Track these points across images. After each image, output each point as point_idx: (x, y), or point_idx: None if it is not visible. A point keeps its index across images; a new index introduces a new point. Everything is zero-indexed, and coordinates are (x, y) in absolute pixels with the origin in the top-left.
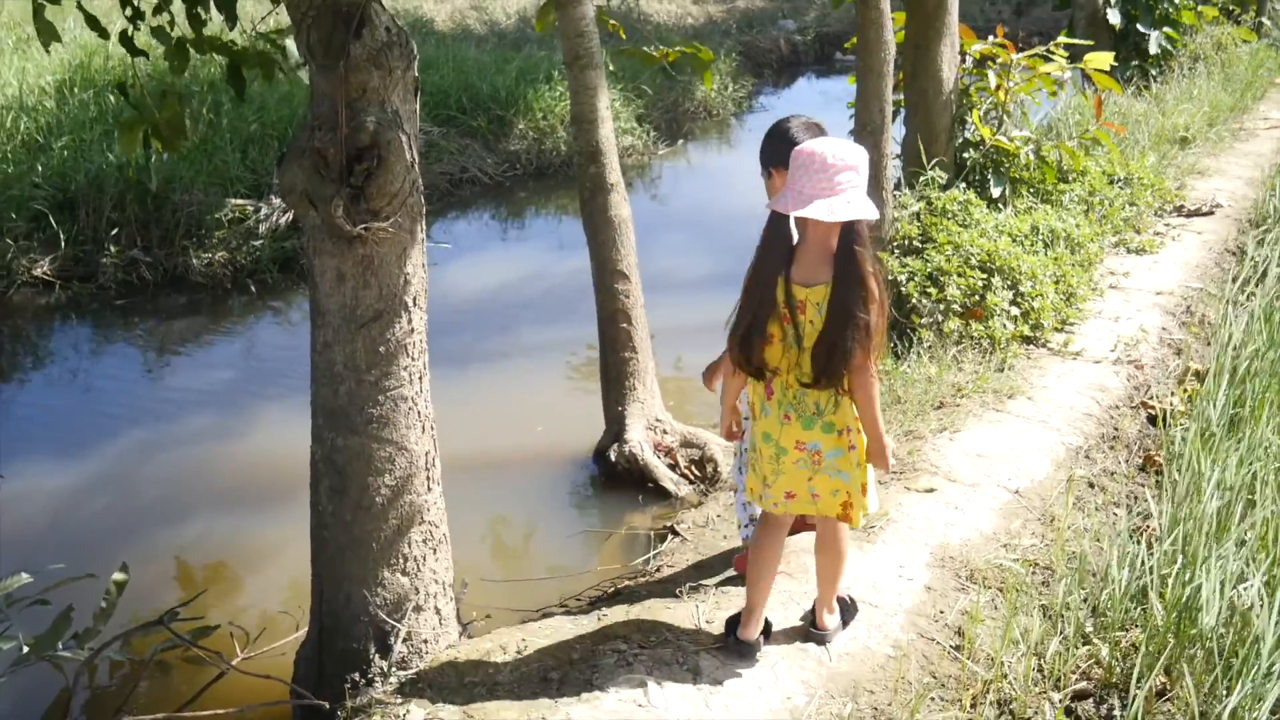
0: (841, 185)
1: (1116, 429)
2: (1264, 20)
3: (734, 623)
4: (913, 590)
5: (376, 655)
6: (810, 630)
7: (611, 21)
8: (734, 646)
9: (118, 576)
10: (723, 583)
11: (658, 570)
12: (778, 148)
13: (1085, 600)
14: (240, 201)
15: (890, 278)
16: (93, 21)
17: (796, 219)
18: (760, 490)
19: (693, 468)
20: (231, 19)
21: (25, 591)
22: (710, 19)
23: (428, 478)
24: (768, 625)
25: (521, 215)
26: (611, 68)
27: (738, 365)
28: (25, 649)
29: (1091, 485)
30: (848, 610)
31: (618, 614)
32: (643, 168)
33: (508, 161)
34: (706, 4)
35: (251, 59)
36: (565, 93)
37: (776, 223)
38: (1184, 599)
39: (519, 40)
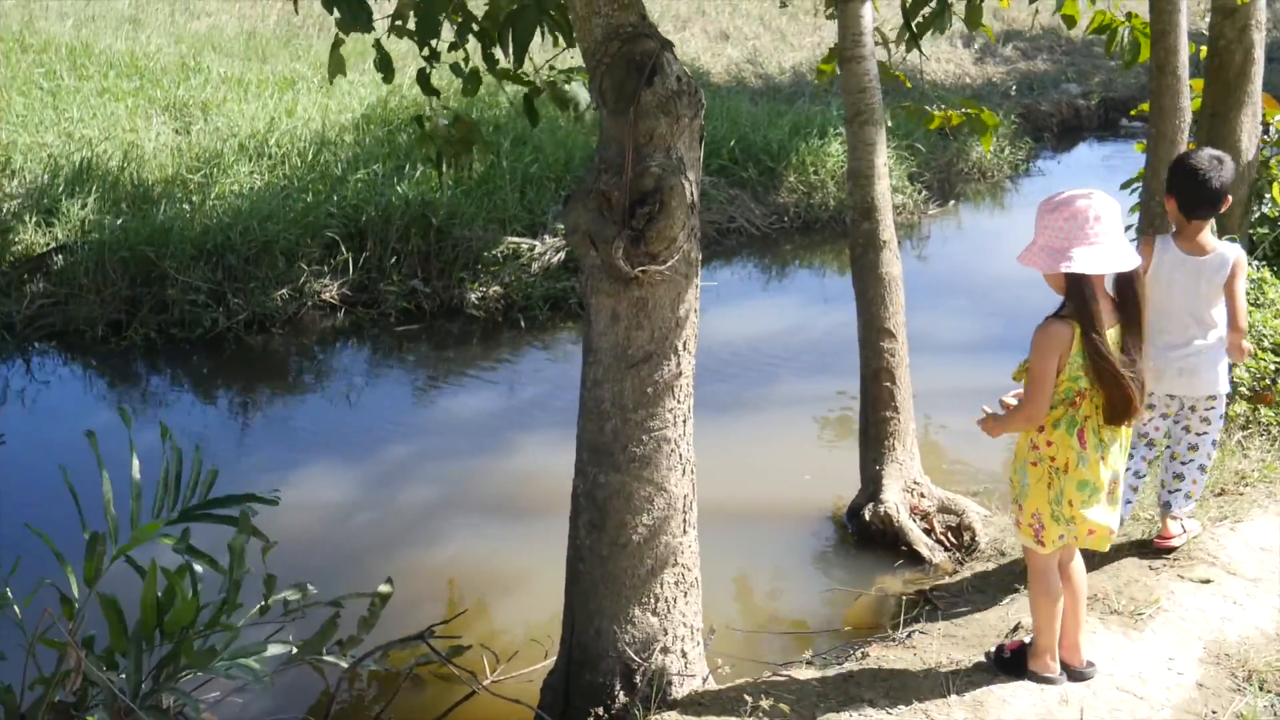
0: (1102, 235)
1: None
2: None
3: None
4: (1183, 685)
5: (622, 692)
6: (1073, 673)
7: (897, 71)
8: (1035, 677)
9: (383, 589)
10: (978, 665)
11: (908, 636)
12: (1171, 174)
13: None
14: (516, 239)
15: None
16: (384, 65)
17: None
18: (1061, 530)
19: (949, 534)
20: (520, 58)
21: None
22: (989, 80)
23: (684, 520)
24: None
25: (786, 267)
26: (890, 123)
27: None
28: (294, 650)
29: None
30: (1016, 658)
31: (864, 676)
32: (912, 226)
33: (775, 213)
34: (986, 64)
35: (545, 91)
36: (837, 148)
37: (1078, 284)
38: None
39: (792, 95)
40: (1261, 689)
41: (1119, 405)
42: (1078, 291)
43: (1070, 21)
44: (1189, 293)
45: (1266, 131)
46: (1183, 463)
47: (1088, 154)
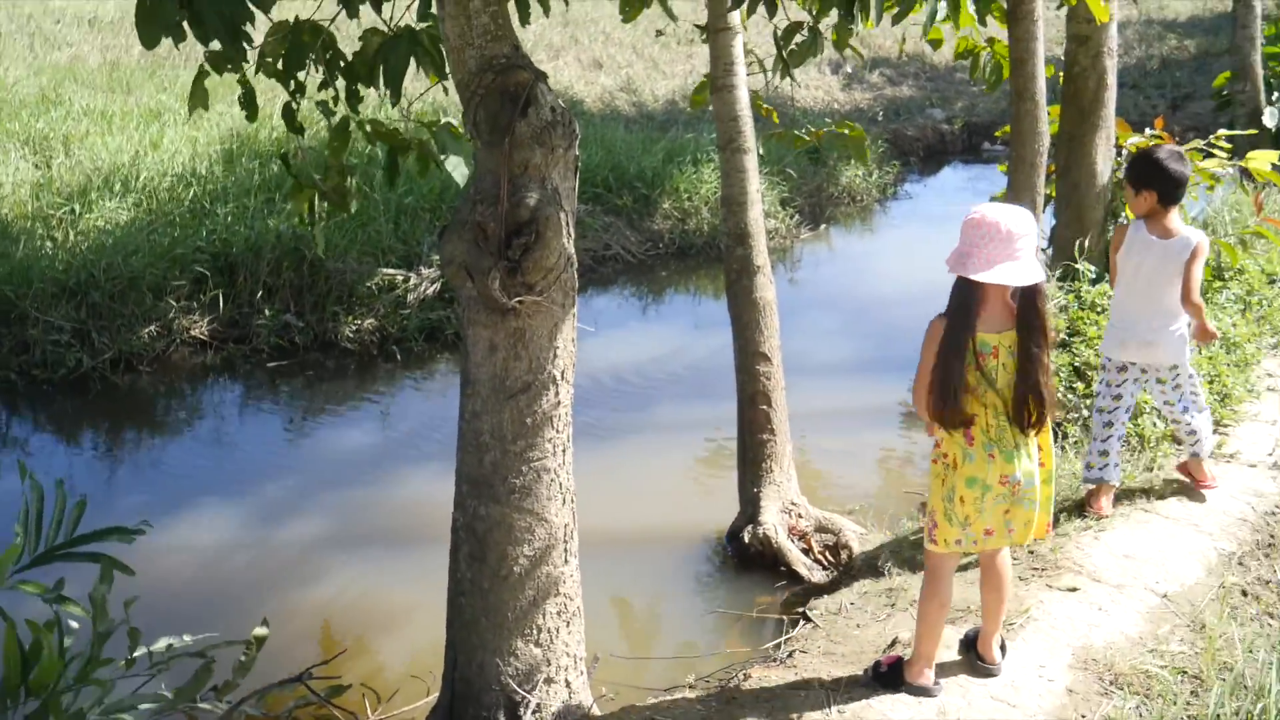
0: (1020, 251)
1: (1273, 536)
2: None
3: (889, 668)
4: (1053, 692)
5: None
6: (977, 664)
7: (765, 106)
8: (911, 689)
9: (258, 631)
10: (857, 680)
11: (789, 656)
12: (1149, 172)
13: (1237, 713)
14: (391, 271)
15: None
16: (249, 101)
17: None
18: (957, 534)
19: (827, 553)
20: (396, 93)
21: (189, 650)
22: (856, 105)
23: (566, 550)
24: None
25: (663, 293)
26: (761, 151)
27: (944, 422)
28: (169, 698)
29: (1245, 593)
30: (1002, 648)
31: (747, 698)
32: (785, 250)
33: (651, 240)
34: (854, 90)
35: (409, 147)
36: (710, 174)
37: (967, 285)
38: None
39: (666, 122)
40: (1130, 691)
41: (946, 403)
42: (956, 291)
43: (936, 44)
44: (1154, 271)
45: (1120, 154)
46: (1188, 418)
47: (953, 177)
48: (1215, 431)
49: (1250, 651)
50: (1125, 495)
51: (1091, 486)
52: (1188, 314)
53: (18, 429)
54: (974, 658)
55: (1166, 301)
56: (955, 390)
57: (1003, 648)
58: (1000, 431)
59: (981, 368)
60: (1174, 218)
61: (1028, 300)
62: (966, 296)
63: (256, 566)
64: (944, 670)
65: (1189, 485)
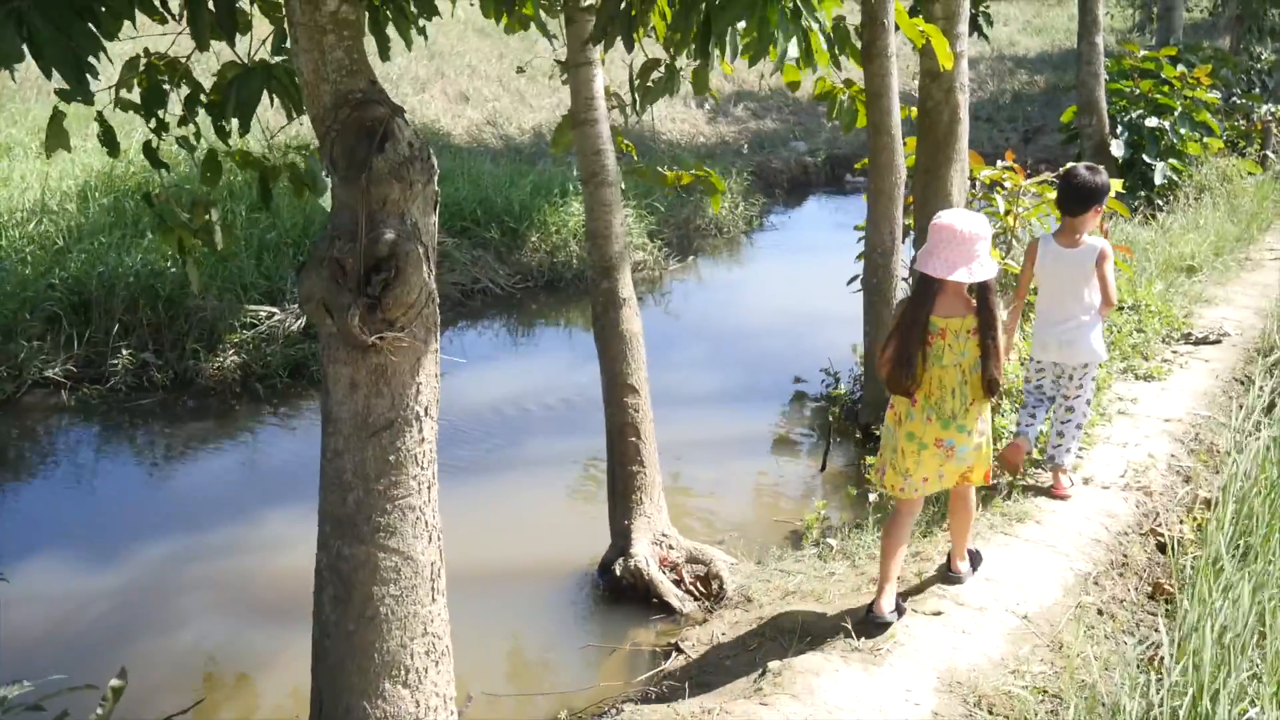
0: (977, 252)
1: (1125, 556)
2: (1269, 154)
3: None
4: (920, 716)
5: None
6: (946, 575)
7: (626, 142)
8: (869, 621)
9: (115, 683)
10: (728, 711)
11: (660, 689)
12: (1077, 193)
13: None
14: (254, 307)
15: None
16: (109, 139)
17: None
18: (900, 482)
19: (698, 584)
20: (245, 125)
21: (25, 699)
22: (721, 138)
23: (433, 588)
24: (900, 608)
25: (532, 327)
26: (624, 186)
27: (894, 387)
28: None
29: (1100, 612)
30: (975, 559)
31: None
32: (654, 282)
33: (520, 273)
34: (718, 123)
35: (282, 173)
36: (578, 207)
37: (926, 278)
38: None
39: (534, 155)
40: (991, 713)
41: (899, 370)
42: (919, 280)
43: (793, 86)
44: (1066, 278)
45: (974, 185)
46: (1063, 423)
47: (816, 208)
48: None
49: (1107, 669)
50: (986, 521)
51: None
52: (1102, 314)
53: None
54: (945, 569)
55: (1079, 303)
56: (908, 360)
57: (974, 562)
58: (940, 401)
59: (929, 345)
60: (1082, 229)
61: (982, 296)
62: (926, 286)
63: (115, 614)
64: (923, 587)
65: (1047, 508)
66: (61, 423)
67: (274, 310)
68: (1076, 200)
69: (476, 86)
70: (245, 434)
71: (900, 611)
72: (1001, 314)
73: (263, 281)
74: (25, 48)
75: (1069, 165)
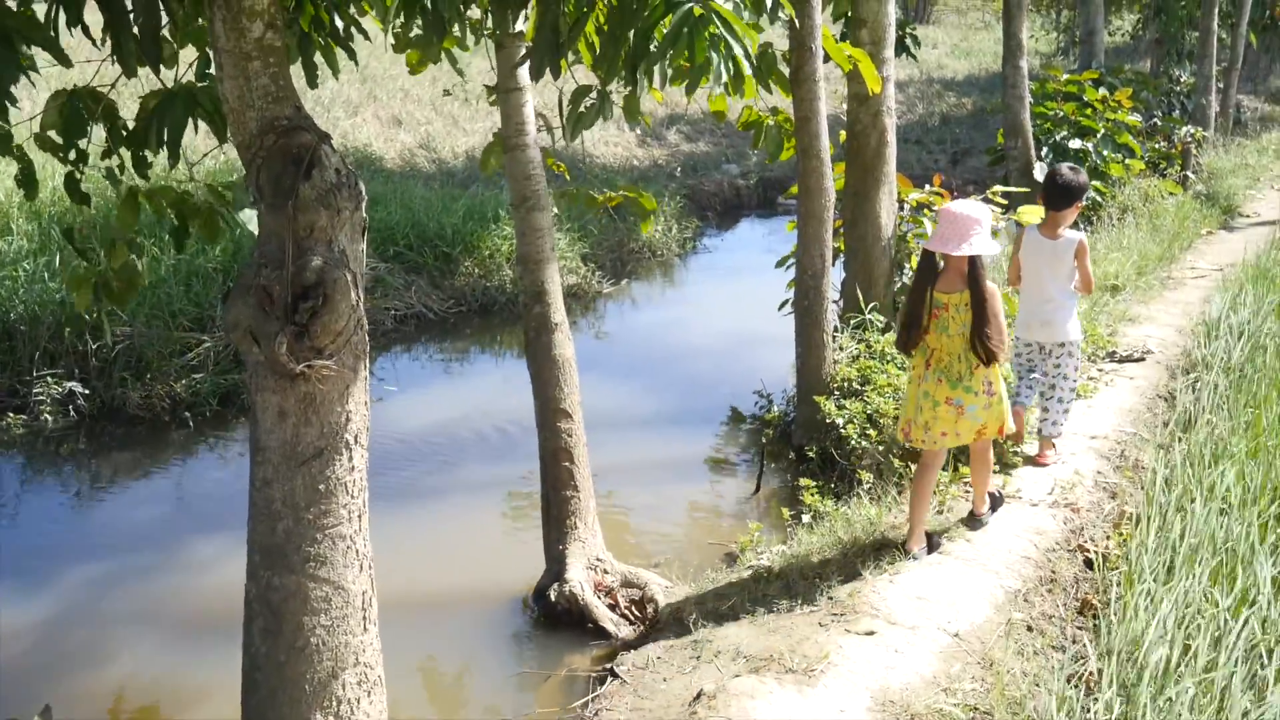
0: (972, 233)
1: (1054, 572)
2: (1189, 174)
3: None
4: None
5: None
6: (972, 520)
7: (557, 164)
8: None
9: None
10: None
11: (596, 714)
12: (1059, 190)
13: None
14: (182, 334)
15: (829, 420)
16: (28, 180)
17: (939, 252)
18: (923, 435)
19: (633, 608)
20: (174, 154)
21: None
22: (655, 161)
23: (364, 618)
24: (935, 543)
25: (466, 352)
26: (556, 211)
27: (901, 347)
28: None
29: (1030, 629)
30: (996, 501)
31: None
32: (587, 306)
33: (453, 298)
34: (651, 147)
35: (198, 212)
36: (511, 231)
37: (929, 256)
38: None
39: (466, 180)
40: None
41: (906, 334)
42: (924, 258)
43: (720, 116)
44: (1046, 265)
45: (903, 208)
46: (1047, 400)
47: (749, 231)
48: (999, 472)
49: (1037, 685)
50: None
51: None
52: (1081, 295)
53: None
54: (969, 517)
55: (1056, 288)
56: (913, 324)
57: (994, 505)
58: (949, 366)
59: (936, 317)
60: (1063, 223)
61: (972, 271)
62: (929, 263)
63: (40, 650)
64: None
65: (974, 525)
66: None
67: (203, 337)
68: (1060, 196)
69: (409, 110)
70: (174, 463)
71: (934, 547)
72: (991, 287)
73: (192, 308)
74: None
75: (1052, 166)
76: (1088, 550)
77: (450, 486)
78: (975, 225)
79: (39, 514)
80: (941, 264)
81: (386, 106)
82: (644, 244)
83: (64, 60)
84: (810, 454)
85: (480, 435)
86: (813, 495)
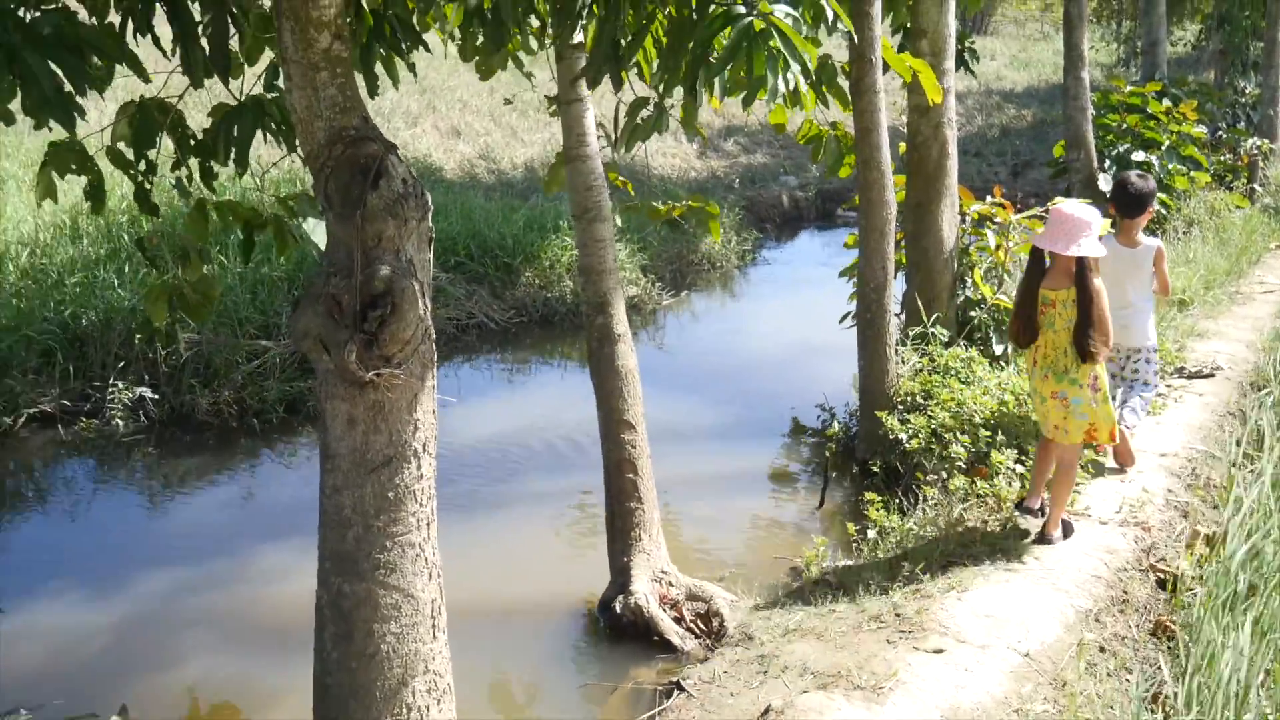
0: (1082, 234)
1: (1126, 592)
2: (1256, 187)
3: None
4: None
5: None
6: (1041, 537)
7: (620, 179)
8: (1020, 510)
9: None
10: None
11: None
12: (1131, 198)
13: None
14: (249, 342)
15: (892, 435)
16: (95, 193)
17: (1048, 251)
18: (1042, 422)
19: (698, 621)
20: (242, 163)
21: None
22: (713, 173)
23: (434, 626)
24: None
25: (527, 362)
26: (619, 222)
27: (1015, 342)
28: None
29: (1102, 649)
30: (1068, 529)
31: None
32: (647, 317)
33: (514, 308)
34: (709, 159)
35: (266, 225)
36: (571, 242)
37: (1037, 253)
38: None
39: (526, 190)
40: None
41: (1017, 329)
42: (1032, 256)
43: (779, 128)
44: (1125, 273)
45: (964, 220)
46: (1132, 396)
47: (808, 243)
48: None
49: (1110, 707)
50: (987, 554)
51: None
52: (1160, 298)
53: None
54: (1040, 536)
55: (1136, 294)
56: (1025, 320)
57: (1066, 532)
58: (1055, 361)
59: (1043, 313)
60: (1137, 231)
61: (1080, 270)
62: (1037, 261)
63: (114, 651)
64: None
65: (1044, 542)
66: (58, 457)
67: (269, 345)
68: (1133, 204)
69: (468, 121)
70: (242, 468)
71: (1067, 533)
72: (1098, 285)
73: (258, 316)
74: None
75: (1119, 175)
76: (1160, 570)
77: (513, 497)
78: (1086, 228)
79: (111, 517)
80: (1049, 262)
81: (445, 117)
82: (703, 255)
83: (143, 74)
84: (874, 468)
85: (542, 446)
86: (877, 510)
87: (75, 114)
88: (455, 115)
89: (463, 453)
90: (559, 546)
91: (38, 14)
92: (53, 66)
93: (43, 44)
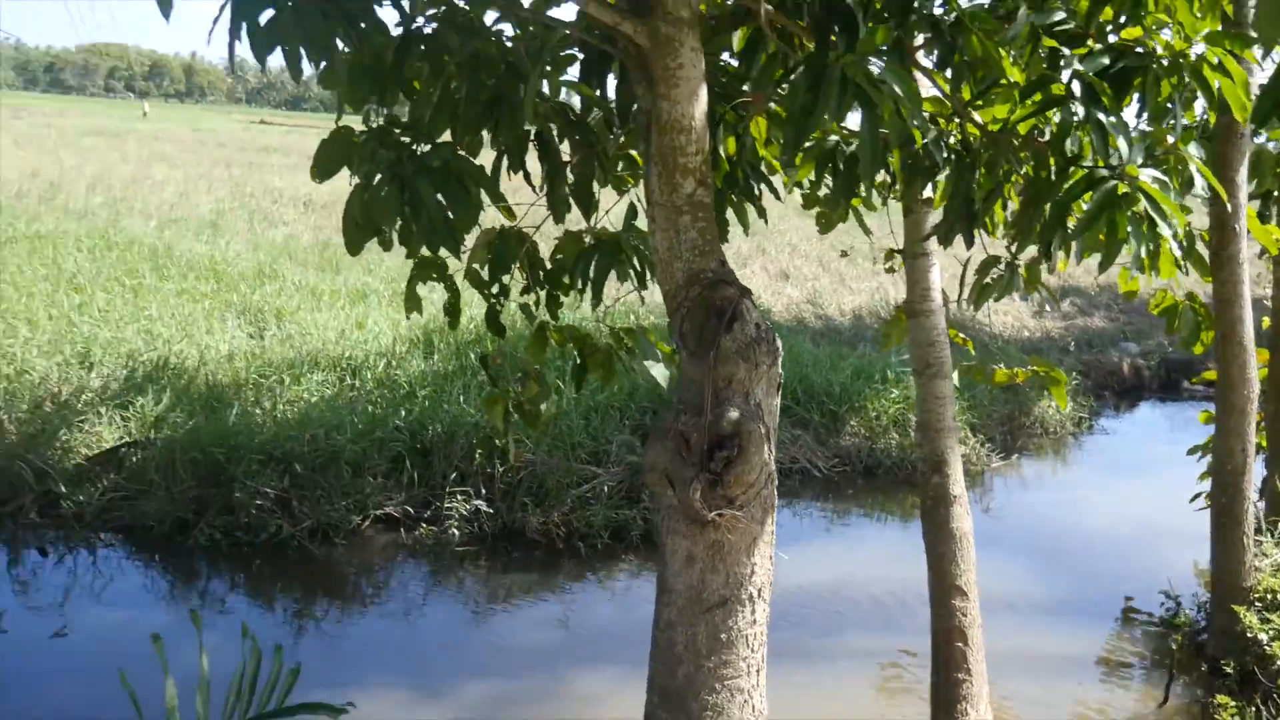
0: None
1: None
2: None
3: None
4: None
5: None
6: None
7: (961, 336)
8: None
9: None
10: None
11: None
12: None
13: None
14: (581, 466)
15: (1250, 634)
16: (452, 310)
17: None
18: None
19: None
20: (597, 301)
21: None
22: (1047, 333)
23: None
24: None
25: (849, 512)
26: (957, 381)
27: None
28: None
29: None
30: None
31: None
32: (975, 479)
33: (838, 456)
34: (1044, 319)
35: (598, 353)
36: (899, 394)
37: None
38: None
39: (853, 338)
40: None
41: None
42: None
43: (1129, 296)
44: None
45: None
46: None
47: (1150, 414)
48: None
49: None
50: None
51: None
52: None
53: (217, 587)
54: None
55: None
56: None
57: None
58: None
59: None
60: None
61: None
62: None
63: None
64: None
65: None
66: (397, 558)
67: (598, 471)
68: None
69: (797, 265)
70: (566, 590)
71: None
72: None
73: (589, 442)
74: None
75: None
76: None
77: (832, 652)
78: None
79: (442, 621)
80: None
81: (775, 260)
82: (1036, 419)
83: (509, 213)
84: (1227, 669)
85: (864, 601)
86: (1231, 716)
87: (458, 242)
88: (784, 259)
89: (782, 598)
90: (878, 709)
91: (428, 149)
92: (439, 198)
93: (434, 176)
